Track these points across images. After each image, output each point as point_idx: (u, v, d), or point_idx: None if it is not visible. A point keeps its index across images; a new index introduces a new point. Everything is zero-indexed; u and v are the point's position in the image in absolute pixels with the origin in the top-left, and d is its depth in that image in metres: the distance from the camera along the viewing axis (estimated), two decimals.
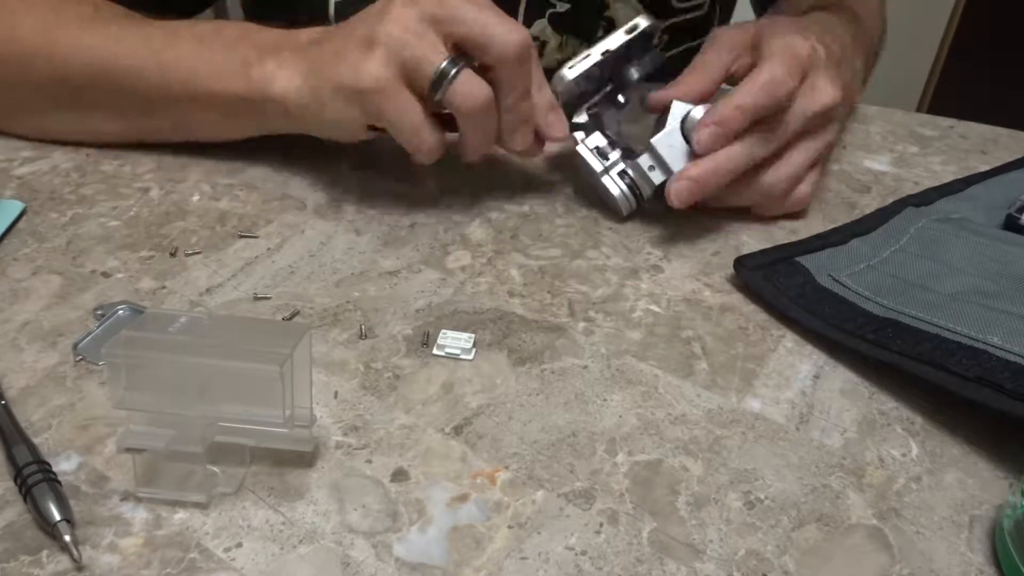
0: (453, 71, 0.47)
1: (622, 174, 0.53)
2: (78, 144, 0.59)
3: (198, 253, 0.50)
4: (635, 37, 0.54)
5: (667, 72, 0.57)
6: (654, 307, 0.47)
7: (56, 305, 0.45)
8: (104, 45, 0.54)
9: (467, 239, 0.52)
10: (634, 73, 0.53)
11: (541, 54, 0.74)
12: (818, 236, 0.53)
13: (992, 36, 2.03)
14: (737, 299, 0.48)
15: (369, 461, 0.37)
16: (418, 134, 0.49)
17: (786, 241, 0.53)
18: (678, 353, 0.44)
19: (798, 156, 0.53)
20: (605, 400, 0.41)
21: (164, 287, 0.47)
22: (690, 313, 0.47)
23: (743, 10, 0.86)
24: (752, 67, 0.51)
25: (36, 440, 0.36)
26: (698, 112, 0.50)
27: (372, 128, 0.51)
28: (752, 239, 0.54)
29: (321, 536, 0.34)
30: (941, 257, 0.49)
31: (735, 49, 0.55)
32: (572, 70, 0.54)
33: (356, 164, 0.59)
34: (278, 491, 0.35)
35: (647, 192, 0.53)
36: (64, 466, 0.36)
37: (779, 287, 0.47)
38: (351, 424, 0.39)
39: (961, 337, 0.41)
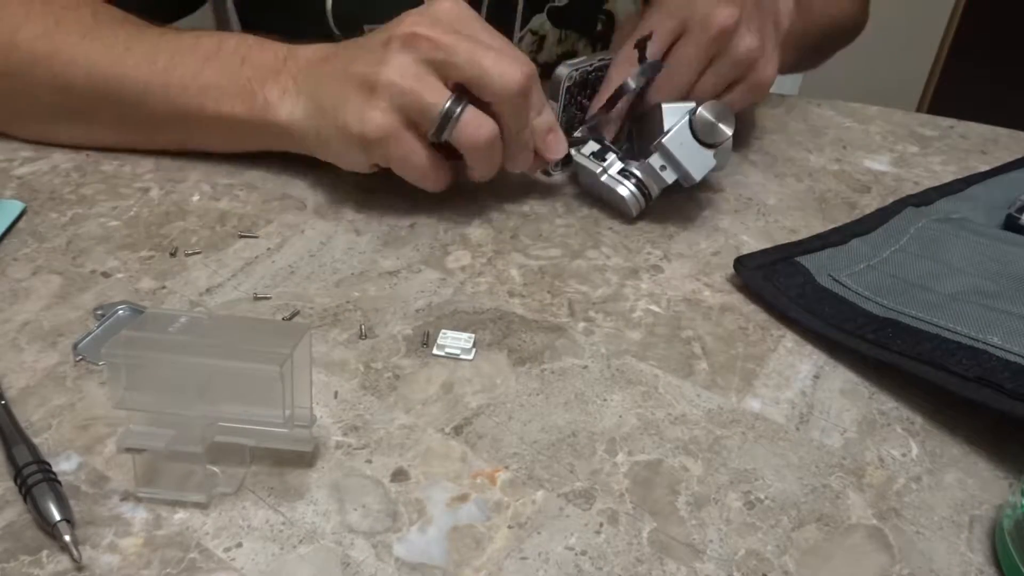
0: (457, 111, 0.48)
1: (624, 174, 0.53)
2: (78, 146, 0.59)
3: (198, 253, 0.50)
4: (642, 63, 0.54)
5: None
6: (654, 307, 0.47)
7: (56, 305, 0.45)
8: (107, 57, 0.54)
9: (467, 239, 0.52)
10: (631, 84, 0.54)
11: (541, 48, 0.74)
12: (818, 236, 0.53)
13: (992, 36, 2.03)
14: (737, 299, 0.48)
15: (369, 461, 0.37)
16: (425, 174, 0.51)
17: (786, 241, 0.53)
18: (678, 353, 0.44)
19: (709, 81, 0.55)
20: (605, 400, 0.41)
21: (164, 287, 0.47)
22: (690, 313, 0.47)
23: None
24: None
25: (36, 440, 0.36)
26: (704, 110, 0.50)
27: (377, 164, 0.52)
28: (752, 239, 0.54)
29: (321, 536, 0.34)
30: (941, 257, 0.49)
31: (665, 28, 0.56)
32: (569, 67, 0.55)
33: None
34: (278, 491, 0.35)
35: (656, 192, 0.54)
36: (64, 466, 0.36)
37: (779, 287, 0.47)
38: (351, 424, 0.39)
39: (961, 337, 0.41)
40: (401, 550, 0.33)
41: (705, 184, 0.59)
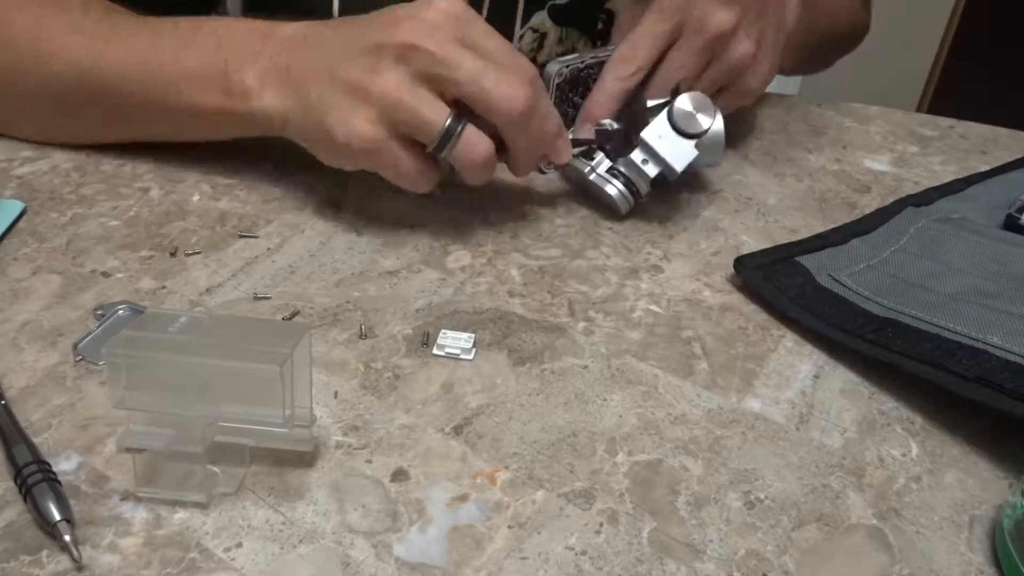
0: (457, 130, 0.46)
1: (612, 172, 0.54)
2: (78, 145, 0.59)
3: (198, 253, 0.50)
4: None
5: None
6: (654, 307, 0.47)
7: (56, 305, 0.45)
8: (90, 49, 0.53)
9: (467, 239, 0.52)
10: (614, 125, 0.54)
11: (541, 46, 0.74)
12: (818, 236, 0.53)
13: (992, 36, 2.03)
14: (737, 299, 0.48)
15: (369, 461, 0.37)
16: (413, 180, 0.49)
17: (786, 241, 0.53)
18: (678, 353, 0.44)
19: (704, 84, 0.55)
20: (605, 400, 0.41)
21: (164, 287, 0.47)
22: (690, 313, 0.47)
23: None
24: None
25: (36, 440, 0.36)
26: (682, 100, 0.50)
27: None
28: (752, 239, 0.54)
29: (321, 536, 0.34)
30: (941, 257, 0.49)
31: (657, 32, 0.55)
32: (559, 64, 0.55)
33: None
34: (278, 491, 0.35)
35: (643, 188, 0.54)
36: (64, 466, 0.36)
37: (779, 287, 0.47)
38: (351, 424, 0.39)
39: (961, 337, 0.41)
40: (401, 550, 0.33)
41: (705, 184, 0.59)
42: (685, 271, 0.51)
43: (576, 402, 0.41)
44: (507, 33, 0.73)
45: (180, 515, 0.34)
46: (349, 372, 0.42)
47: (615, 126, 0.53)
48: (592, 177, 0.54)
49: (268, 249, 0.50)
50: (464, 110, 0.47)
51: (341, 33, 0.48)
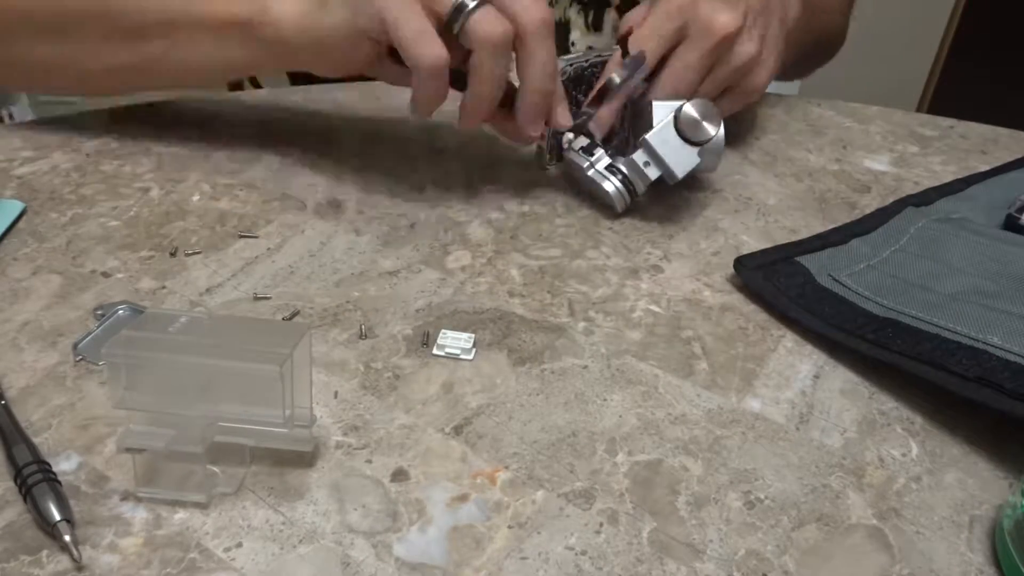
0: (473, 3, 0.46)
1: (611, 169, 0.54)
2: (77, 139, 0.59)
3: (198, 253, 0.50)
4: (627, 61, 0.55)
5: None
6: (654, 307, 0.47)
7: (56, 305, 0.45)
8: None
9: (467, 239, 0.52)
10: (616, 79, 0.54)
11: (567, 36, 0.75)
12: (818, 236, 0.53)
13: (992, 36, 2.03)
14: (737, 299, 0.48)
15: (369, 461, 0.37)
16: (420, 40, 0.47)
17: (786, 241, 0.53)
18: (678, 353, 0.44)
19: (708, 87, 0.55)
20: (605, 400, 0.41)
21: (164, 287, 0.47)
22: (690, 313, 0.47)
23: None
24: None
25: (36, 440, 0.36)
26: (690, 108, 0.50)
27: (372, 71, 0.50)
28: (752, 239, 0.54)
29: (321, 536, 0.34)
30: (941, 257, 0.49)
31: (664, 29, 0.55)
32: (563, 62, 0.55)
33: (356, 164, 0.59)
34: (278, 491, 0.35)
35: (641, 188, 0.54)
36: (64, 466, 0.36)
37: (779, 287, 0.47)
38: (351, 424, 0.39)
39: (961, 337, 0.41)
40: (401, 550, 0.33)
41: (705, 184, 0.59)
42: (685, 271, 0.51)
43: (576, 402, 0.41)
44: None
45: (180, 515, 0.34)
46: (349, 372, 0.42)
47: (617, 80, 0.53)
48: (591, 173, 0.54)
49: (268, 249, 0.50)
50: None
51: None
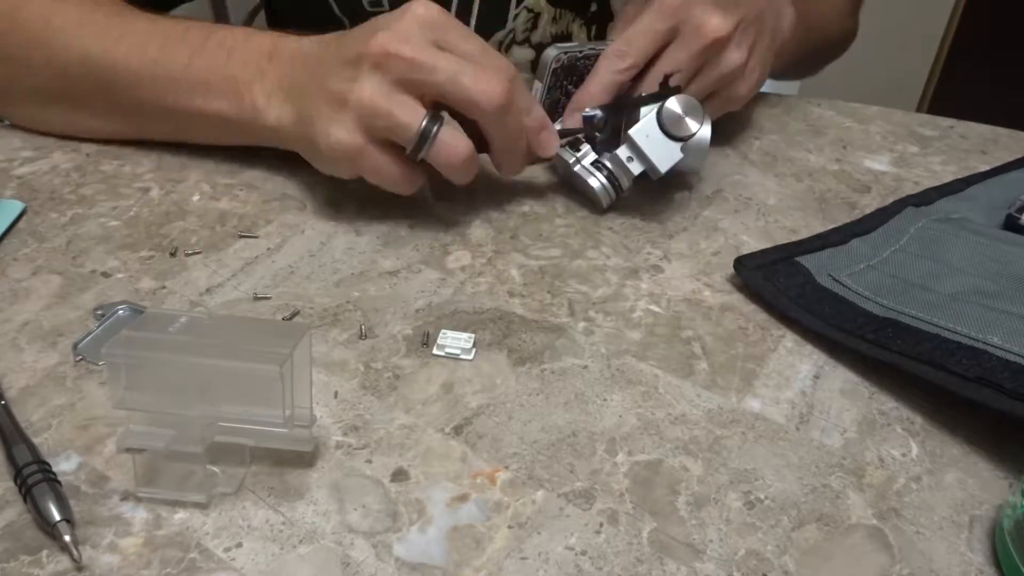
0: (433, 131, 0.47)
1: (597, 165, 0.54)
2: (77, 140, 0.59)
3: (198, 253, 0.50)
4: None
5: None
6: (654, 307, 0.47)
7: (56, 305, 0.45)
8: (100, 45, 0.54)
9: (467, 239, 0.52)
10: (599, 114, 0.54)
11: (535, 26, 0.75)
12: (818, 236, 0.53)
13: (992, 36, 2.03)
14: (737, 299, 0.48)
15: (369, 461, 0.37)
16: (398, 184, 0.50)
17: (786, 241, 0.53)
18: (678, 353, 0.44)
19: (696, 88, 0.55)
20: (605, 400, 0.41)
21: (164, 287, 0.47)
22: (690, 313, 0.47)
23: None
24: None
25: (36, 440, 0.36)
26: (673, 103, 0.51)
27: None
28: (752, 239, 0.54)
29: (321, 536, 0.34)
30: (941, 257, 0.49)
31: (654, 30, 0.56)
32: (558, 50, 0.55)
33: None
34: (278, 491, 0.35)
35: (626, 184, 0.54)
36: (64, 466, 0.36)
37: (779, 287, 0.47)
38: (351, 424, 0.39)
39: (961, 337, 0.41)
40: (401, 550, 0.33)
41: (705, 184, 0.59)
42: (685, 271, 0.51)
43: (576, 402, 0.41)
44: (502, 11, 0.74)
45: (180, 515, 0.34)
46: (349, 372, 0.42)
47: (600, 115, 0.53)
48: (576, 168, 0.55)
49: (268, 249, 0.50)
50: (446, 112, 0.48)
51: (331, 47, 0.50)
